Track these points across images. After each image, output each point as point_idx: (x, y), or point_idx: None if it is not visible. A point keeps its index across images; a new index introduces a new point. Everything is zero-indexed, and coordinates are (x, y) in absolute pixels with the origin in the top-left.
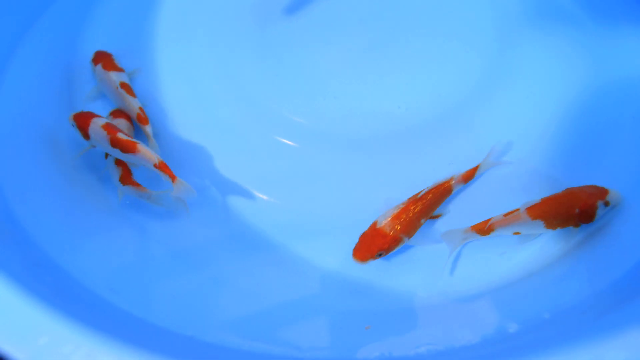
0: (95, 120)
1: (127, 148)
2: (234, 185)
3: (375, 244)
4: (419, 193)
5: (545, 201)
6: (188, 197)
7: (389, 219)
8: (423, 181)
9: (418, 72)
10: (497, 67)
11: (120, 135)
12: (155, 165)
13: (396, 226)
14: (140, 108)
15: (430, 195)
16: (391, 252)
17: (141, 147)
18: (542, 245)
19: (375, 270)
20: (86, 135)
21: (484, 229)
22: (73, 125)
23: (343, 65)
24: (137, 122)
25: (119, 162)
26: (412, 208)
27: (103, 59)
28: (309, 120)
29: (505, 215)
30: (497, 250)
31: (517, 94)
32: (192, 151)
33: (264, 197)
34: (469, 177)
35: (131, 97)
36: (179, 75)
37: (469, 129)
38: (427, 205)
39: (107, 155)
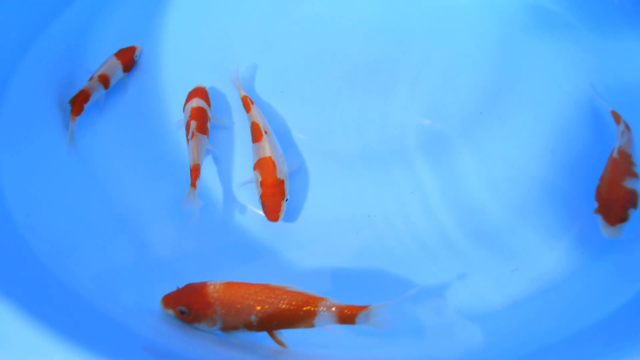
0: (193, 100)
1: (186, 134)
2: (235, 196)
3: (184, 294)
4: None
5: None
6: (193, 206)
7: (222, 282)
8: (428, 197)
9: (423, 86)
10: (501, 79)
11: (193, 123)
12: (190, 166)
13: (220, 293)
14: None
15: (284, 304)
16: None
17: (194, 142)
18: (558, 258)
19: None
20: (183, 108)
21: None
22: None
23: (348, 80)
24: None
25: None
26: (255, 290)
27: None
28: (310, 136)
29: None
30: (509, 267)
31: (522, 106)
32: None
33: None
34: (345, 318)
35: None
36: (182, 85)
37: (472, 143)
38: (272, 308)
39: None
